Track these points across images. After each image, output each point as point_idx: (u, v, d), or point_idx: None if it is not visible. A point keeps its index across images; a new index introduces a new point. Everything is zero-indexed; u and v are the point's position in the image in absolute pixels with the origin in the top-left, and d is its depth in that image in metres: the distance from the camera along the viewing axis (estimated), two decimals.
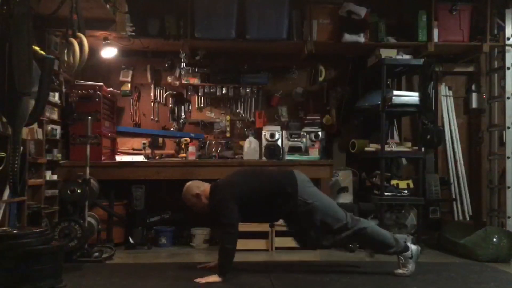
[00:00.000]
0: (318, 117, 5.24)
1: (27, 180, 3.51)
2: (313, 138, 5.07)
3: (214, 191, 3.45)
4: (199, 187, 3.51)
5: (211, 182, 3.55)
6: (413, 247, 3.48)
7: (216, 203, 3.39)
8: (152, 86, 5.37)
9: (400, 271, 3.44)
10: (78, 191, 3.92)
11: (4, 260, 2.63)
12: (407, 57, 4.98)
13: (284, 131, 5.09)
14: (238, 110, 5.42)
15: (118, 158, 4.94)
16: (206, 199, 3.46)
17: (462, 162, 5.21)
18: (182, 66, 5.10)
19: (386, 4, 5.14)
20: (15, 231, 2.89)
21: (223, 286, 3.20)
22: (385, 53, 4.82)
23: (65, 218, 3.88)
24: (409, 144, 4.88)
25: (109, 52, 4.89)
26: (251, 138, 5.17)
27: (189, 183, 3.59)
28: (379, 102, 4.54)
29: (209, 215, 3.59)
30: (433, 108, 4.91)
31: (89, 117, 4.25)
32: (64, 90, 4.44)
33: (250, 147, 5.09)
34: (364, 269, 3.72)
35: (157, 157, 5.03)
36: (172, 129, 5.27)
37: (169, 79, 5.25)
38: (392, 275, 3.45)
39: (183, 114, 5.27)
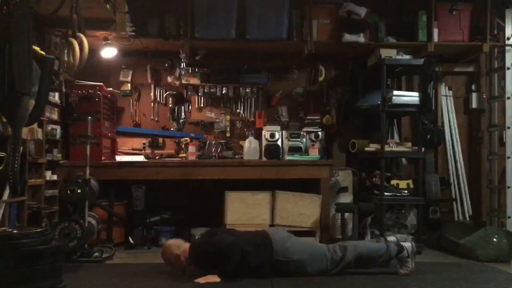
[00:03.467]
0: (318, 117, 5.24)
1: (27, 180, 3.51)
2: (313, 138, 5.07)
3: (197, 248, 3.43)
4: (179, 247, 3.47)
5: (190, 242, 3.55)
6: (407, 245, 3.49)
7: (205, 255, 3.36)
8: (152, 86, 5.37)
9: (402, 271, 3.46)
10: (78, 191, 3.92)
11: (4, 260, 2.63)
12: (407, 57, 4.98)
13: (284, 131, 5.08)
14: (238, 110, 5.42)
15: (118, 158, 4.94)
16: (186, 259, 3.42)
17: (462, 162, 5.21)
18: (182, 66, 5.10)
19: (386, 4, 5.14)
20: (15, 231, 2.89)
21: (223, 286, 3.20)
22: (385, 53, 4.82)
23: (65, 218, 3.88)
24: (409, 144, 4.87)
25: (109, 52, 4.89)
26: (251, 138, 5.17)
27: (169, 242, 3.61)
28: (379, 102, 4.54)
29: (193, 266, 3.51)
30: (433, 108, 4.90)
31: (89, 117, 4.26)
32: (64, 90, 4.44)
33: (250, 147, 5.10)
34: (364, 269, 3.72)
35: (157, 157, 5.03)
36: (172, 129, 5.27)
37: (169, 79, 5.25)
38: (391, 275, 3.45)
39: (183, 114, 5.27)
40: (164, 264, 3.60)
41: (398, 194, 4.57)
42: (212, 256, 3.32)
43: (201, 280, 3.22)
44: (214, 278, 3.23)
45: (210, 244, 3.38)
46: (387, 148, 4.57)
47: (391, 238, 3.59)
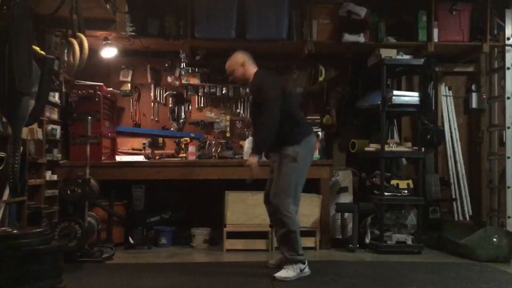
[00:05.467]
0: (318, 117, 5.24)
1: (27, 180, 3.51)
2: None
3: (261, 73, 3.60)
4: (248, 60, 3.64)
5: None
6: (306, 270, 3.42)
7: (263, 80, 3.53)
8: (152, 86, 5.36)
9: (279, 274, 3.36)
10: (78, 191, 3.92)
11: (4, 260, 2.63)
12: (407, 57, 4.97)
13: None
14: (238, 110, 5.42)
15: (118, 158, 4.94)
16: (247, 74, 3.61)
17: (462, 162, 5.21)
18: (182, 66, 5.10)
19: (386, 4, 5.14)
20: (15, 231, 2.89)
21: (223, 286, 3.20)
22: (385, 53, 4.82)
23: (65, 218, 3.89)
24: (409, 144, 4.87)
25: (109, 52, 4.89)
26: (251, 138, 5.16)
27: (236, 53, 3.71)
28: (379, 102, 4.54)
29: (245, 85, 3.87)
30: (433, 108, 4.91)
31: (89, 117, 4.26)
32: (64, 90, 4.44)
33: (250, 147, 5.08)
34: (364, 269, 3.73)
35: (157, 157, 5.03)
36: (172, 129, 5.27)
37: (169, 79, 5.25)
38: (391, 276, 3.45)
39: (183, 114, 5.27)
40: (164, 264, 3.61)
41: (398, 194, 4.57)
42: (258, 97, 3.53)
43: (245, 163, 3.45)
44: (252, 159, 3.41)
45: (266, 83, 3.50)
46: (387, 148, 4.57)
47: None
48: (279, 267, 3.46)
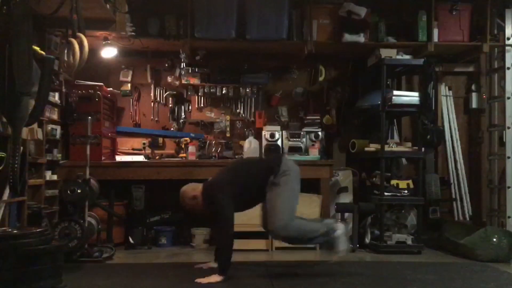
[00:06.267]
0: (318, 117, 5.24)
1: (27, 180, 3.51)
2: (313, 138, 5.07)
3: (207, 189, 3.46)
4: (195, 189, 3.51)
5: (203, 183, 3.56)
6: (338, 227, 3.41)
7: (211, 200, 3.39)
8: (152, 86, 5.37)
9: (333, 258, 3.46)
10: (78, 191, 3.92)
11: (4, 260, 2.63)
12: (407, 57, 4.98)
13: (284, 131, 5.09)
14: (238, 110, 5.42)
15: (118, 158, 4.94)
16: (201, 200, 3.46)
17: (462, 162, 5.21)
18: (182, 66, 5.10)
19: (386, 4, 5.13)
20: (15, 231, 2.88)
21: (223, 286, 3.20)
22: (385, 53, 4.82)
23: (65, 218, 3.88)
24: (409, 144, 4.87)
25: (109, 52, 4.89)
26: (251, 138, 5.17)
27: (184, 187, 3.60)
28: (379, 102, 4.54)
29: (208, 216, 3.58)
30: (433, 108, 4.90)
31: (89, 117, 4.26)
32: (64, 90, 4.44)
33: (250, 147, 5.09)
34: (364, 269, 3.72)
35: (157, 157, 5.03)
36: (172, 129, 5.27)
37: (169, 79, 5.25)
38: (391, 276, 3.45)
39: (183, 114, 5.27)
40: (164, 264, 3.61)
41: (398, 194, 4.57)
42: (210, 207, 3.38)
43: (203, 280, 3.22)
44: (215, 278, 3.23)
45: (213, 199, 3.38)
46: (387, 148, 4.57)
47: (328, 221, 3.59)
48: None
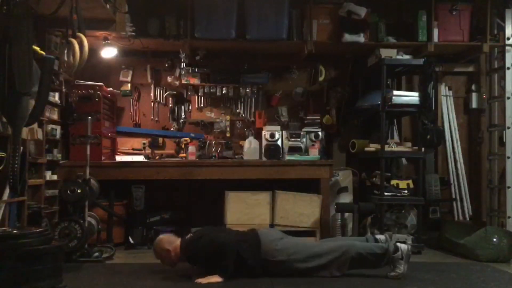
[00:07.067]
0: (318, 117, 5.24)
1: (27, 180, 3.51)
2: (313, 138, 5.07)
3: (188, 245, 3.44)
4: (171, 242, 3.50)
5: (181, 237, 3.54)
6: (403, 247, 3.37)
7: (192, 254, 3.41)
8: (152, 86, 5.37)
9: (392, 273, 3.37)
10: (78, 191, 3.92)
11: (4, 260, 2.63)
12: (407, 57, 4.98)
13: (284, 131, 5.08)
14: (238, 110, 5.42)
15: (118, 158, 4.94)
16: (176, 255, 3.46)
17: (462, 162, 5.21)
18: (182, 66, 5.11)
19: (386, 4, 5.14)
20: (15, 231, 2.88)
21: (223, 286, 3.20)
22: (385, 53, 4.82)
23: (65, 218, 3.89)
24: (409, 144, 4.87)
25: (109, 52, 4.89)
26: (251, 138, 5.17)
27: (161, 236, 3.62)
28: (379, 102, 4.54)
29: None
30: (433, 108, 4.90)
31: (89, 117, 4.26)
32: (64, 90, 4.44)
33: (250, 147, 5.10)
34: (364, 269, 3.71)
35: (157, 157, 5.03)
36: (172, 129, 5.27)
37: (169, 79, 5.25)
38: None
39: (183, 114, 5.27)
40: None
41: (398, 194, 4.57)
42: (209, 253, 3.33)
43: (203, 280, 3.22)
44: (215, 278, 3.23)
45: (205, 241, 3.39)
46: (387, 148, 4.56)
47: (389, 238, 3.55)
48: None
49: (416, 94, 4.67)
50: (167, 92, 5.33)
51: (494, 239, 4.09)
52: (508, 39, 4.90)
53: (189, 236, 3.55)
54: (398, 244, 3.41)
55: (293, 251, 3.42)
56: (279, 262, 3.38)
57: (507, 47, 4.91)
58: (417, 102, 4.58)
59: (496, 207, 5.12)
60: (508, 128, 4.87)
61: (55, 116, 4.30)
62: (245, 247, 3.37)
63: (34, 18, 3.20)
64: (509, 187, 4.84)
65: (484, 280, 3.39)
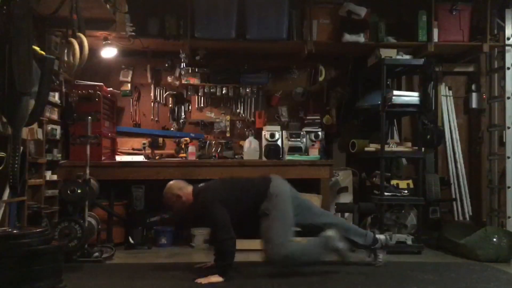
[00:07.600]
0: (318, 117, 5.24)
1: (27, 180, 3.51)
2: (313, 138, 5.07)
3: (198, 195, 3.47)
4: (181, 188, 3.54)
5: (194, 185, 3.56)
6: (381, 238, 3.75)
7: (202, 209, 3.42)
8: (152, 86, 5.37)
9: (378, 263, 3.73)
10: (78, 191, 3.92)
11: (4, 260, 2.63)
12: (407, 57, 4.98)
13: (284, 131, 5.09)
14: (238, 110, 5.43)
15: (118, 158, 4.94)
16: (187, 202, 3.49)
17: (462, 162, 5.21)
18: (182, 66, 5.11)
19: (386, 4, 5.14)
20: (15, 231, 2.88)
21: (223, 286, 3.20)
22: (385, 53, 4.83)
23: (65, 218, 3.88)
24: (409, 144, 4.87)
25: (109, 52, 4.89)
26: (251, 138, 5.17)
27: (171, 182, 3.64)
28: (379, 102, 4.54)
29: (186, 216, 3.58)
30: (433, 108, 4.91)
31: (89, 117, 4.25)
32: (64, 90, 4.44)
33: (250, 147, 5.10)
34: (364, 269, 3.72)
35: (157, 157, 5.03)
36: (172, 129, 5.27)
37: (169, 79, 5.25)
38: (391, 276, 3.45)
39: (183, 114, 5.28)
40: (164, 264, 3.60)
41: (398, 194, 4.57)
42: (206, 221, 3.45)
43: (203, 280, 3.22)
44: (216, 278, 3.23)
45: (205, 210, 3.39)
46: (387, 148, 4.56)
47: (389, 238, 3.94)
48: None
49: (416, 94, 4.67)
50: (167, 92, 5.34)
51: (494, 239, 4.09)
52: (508, 39, 4.90)
53: (200, 186, 3.58)
54: (377, 236, 3.75)
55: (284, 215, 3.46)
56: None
57: (507, 47, 4.91)
58: (417, 102, 4.57)
59: (496, 207, 5.12)
60: (508, 128, 4.87)
61: (55, 116, 4.30)
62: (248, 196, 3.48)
63: (34, 18, 3.19)
64: (509, 187, 4.84)
65: (484, 280, 3.39)
